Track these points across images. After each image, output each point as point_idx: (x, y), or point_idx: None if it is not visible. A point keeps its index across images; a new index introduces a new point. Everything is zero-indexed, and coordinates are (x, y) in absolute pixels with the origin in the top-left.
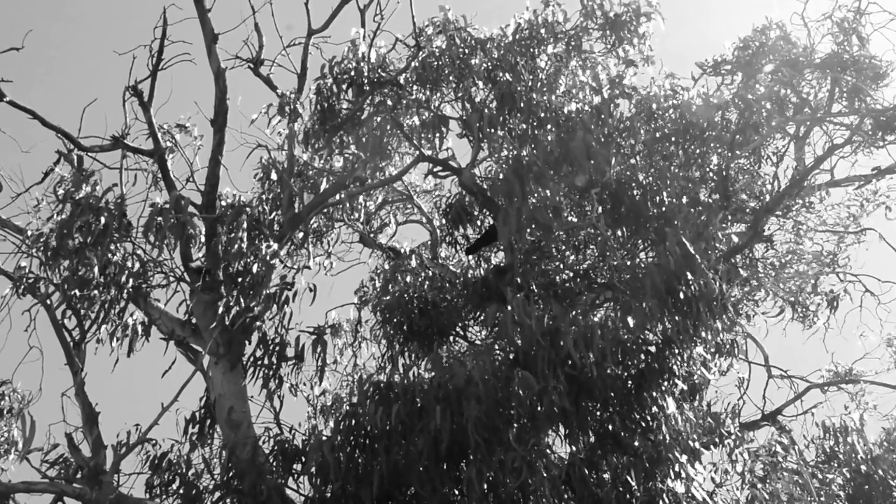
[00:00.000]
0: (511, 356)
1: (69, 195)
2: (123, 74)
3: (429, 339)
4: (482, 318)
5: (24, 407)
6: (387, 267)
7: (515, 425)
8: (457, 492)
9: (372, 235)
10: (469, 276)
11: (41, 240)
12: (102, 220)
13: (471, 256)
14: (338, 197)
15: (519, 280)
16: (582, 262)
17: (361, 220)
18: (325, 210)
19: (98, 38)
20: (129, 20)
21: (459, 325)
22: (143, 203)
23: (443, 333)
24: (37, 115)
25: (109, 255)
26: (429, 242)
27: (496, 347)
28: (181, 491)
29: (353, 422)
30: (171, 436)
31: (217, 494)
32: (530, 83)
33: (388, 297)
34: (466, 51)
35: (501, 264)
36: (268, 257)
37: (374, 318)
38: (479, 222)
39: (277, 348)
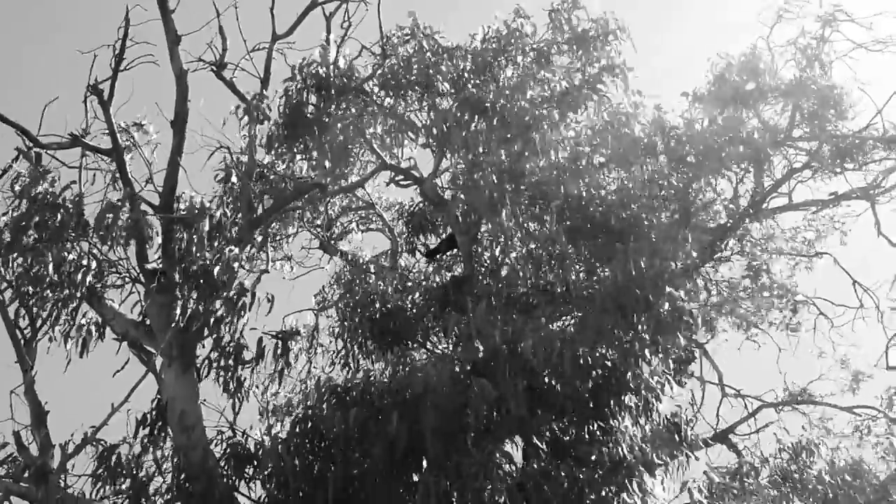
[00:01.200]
0: (470, 364)
1: (26, 191)
2: (86, 74)
3: (389, 343)
4: (441, 325)
5: None
6: (348, 272)
7: (472, 433)
8: (409, 498)
9: (332, 242)
10: (429, 283)
11: None
12: (59, 217)
13: (430, 266)
14: (299, 203)
15: (477, 291)
16: (540, 275)
17: (322, 225)
18: (286, 215)
19: (61, 37)
20: (95, 19)
21: (420, 331)
22: (102, 202)
23: (403, 339)
24: None
25: (65, 254)
26: (389, 251)
27: (455, 355)
28: (130, 492)
29: (310, 424)
30: (122, 437)
31: (168, 497)
32: (494, 90)
33: (350, 298)
34: (434, 58)
35: (461, 274)
36: (225, 259)
37: (336, 317)
38: (439, 231)
39: (234, 351)
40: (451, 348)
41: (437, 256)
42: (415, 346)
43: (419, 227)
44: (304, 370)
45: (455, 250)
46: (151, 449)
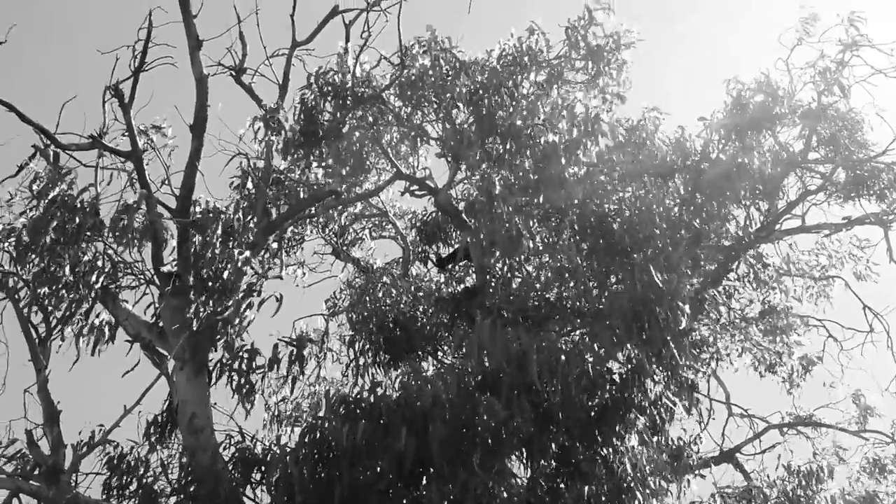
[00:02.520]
0: (478, 378)
1: (45, 192)
2: (104, 73)
3: (399, 354)
4: (450, 337)
5: None
6: (359, 279)
7: (480, 450)
8: None
9: (345, 248)
10: (441, 294)
11: (13, 235)
12: (77, 219)
13: (442, 276)
14: (313, 209)
15: (488, 303)
16: (553, 288)
17: (335, 232)
18: (300, 221)
19: (80, 36)
20: (113, 19)
21: (430, 342)
22: (117, 203)
23: (413, 349)
24: (15, 108)
25: (80, 254)
26: (401, 259)
27: (465, 368)
28: (139, 493)
29: (318, 435)
30: (132, 437)
31: (174, 499)
32: (511, 108)
33: (361, 308)
34: (450, 72)
35: (472, 286)
36: (239, 264)
37: (348, 326)
38: (451, 242)
39: (247, 356)
40: (459, 361)
41: (450, 266)
42: (424, 357)
43: (432, 236)
44: (313, 374)
45: (467, 261)
46: (160, 451)
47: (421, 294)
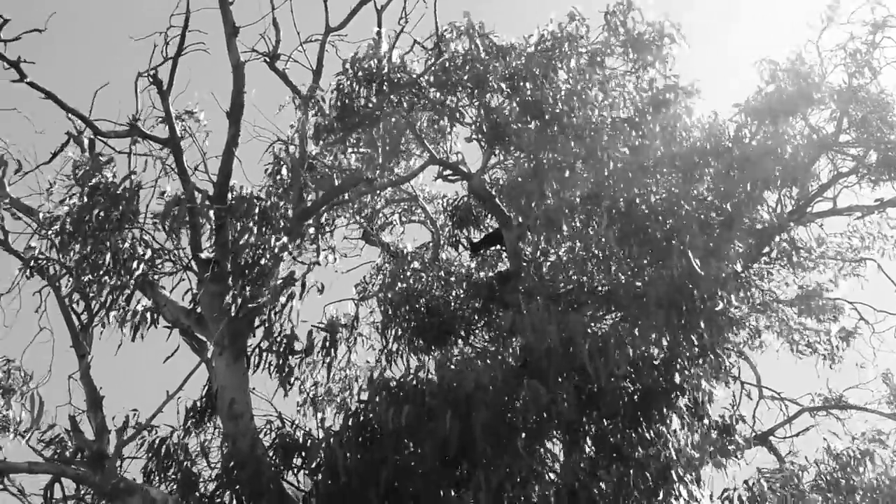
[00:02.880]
0: (519, 363)
1: (86, 179)
2: (135, 60)
3: (434, 338)
4: (485, 322)
5: (33, 387)
6: (389, 264)
7: (523, 433)
8: (458, 495)
9: (374, 233)
10: (473, 279)
11: (56, 222)
12: (119, 207)
13: (474, 260)
14: (346, 195)
15: (523, 288)
16: (587, 274)
17: (366, 217)
18: (334, 206)
19: (111, 22)
20: (138, 6)
21: (463, 327)
22: (153, 190)
23: (447, 334)
24: (55, 97)
25: (121, 242)
26: (430, 244)
27: (506, 352)
28: (179, 478)
29: (362, 419)
30: (170, 422)
31: (215, 483)
32: (550, 93)
33: (394, 293)
34: (487, 57)
35: (506, 271)
36: (276, 250)
37: (380, 311)
38: (483, 226)
39: (285, 342)
40: (495, 345)
41: (482, 251)
42: (456, 342)
43: (463, 220)
44: (343, 359)
45: (500, 245)
46: (199, 436)
47: (453, 279)
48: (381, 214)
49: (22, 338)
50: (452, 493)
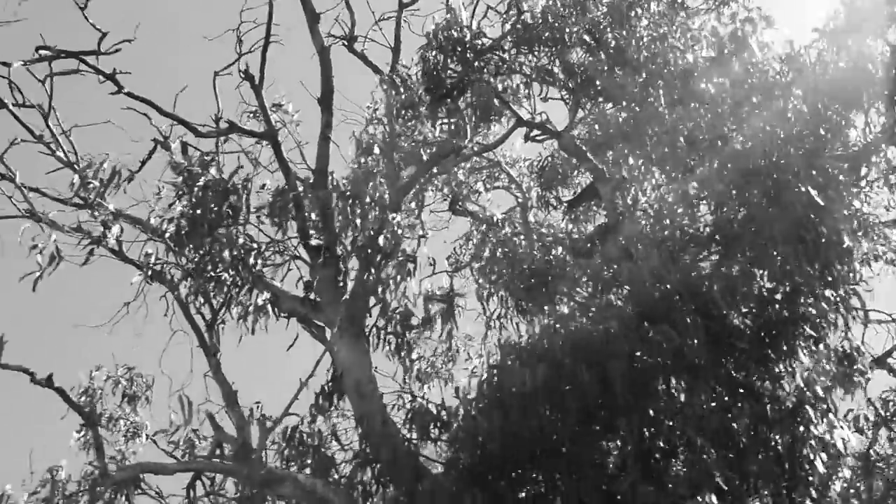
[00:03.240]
0: (636, 311)
1: (195, 179)
2: (205, 60)
3: (542, 299)
4: (590, 276)
5: (177, 390)
6: (479, 233)
7: (659, 377)
8: (604, 443)
9: (460, 203)
10: (571, 236)
11: (170, 224)
12: (230, 202)
13: (566, 218)
14: (435, 168)
15: (624, 239)
16: (694, 218)
17: (451, 188)
18: (426, 180)
19: (180, 23)
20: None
21: (568, 285)
22: (247, 184)
23: (555, 292)
24: (153, 104)
25: (235, 237)
26: (517, 208)
27: (621, 303)
28: (315, 461)
29: (496, 382)
30: (295, 410)
31: (353, 464)
32: (634, 42)
33: (492, 259)
34: (566, 11)
35: (603, 224)
36: (383, 229)
37: (475, 280)
38: (571, 184)
39: (400, 318)
40: (606, 299)
41: (576, 208)
42: (565, 299)
43: (551, 180)
44: (443, 332)
45: (594, 200)
46: (329, 419)
47: (550, 238)
48: (466, 184)
49: (145, 344)
50: (595, 446)
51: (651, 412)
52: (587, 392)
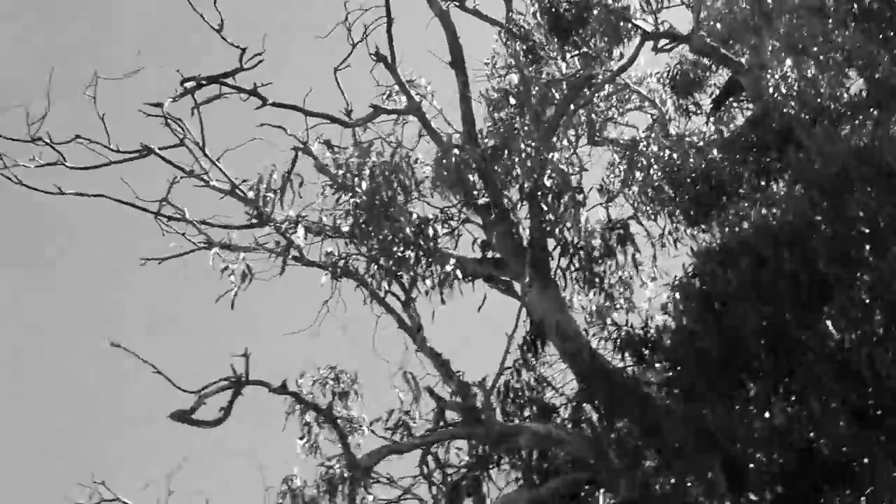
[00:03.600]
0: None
1: (360, 169)
2: (316, 58)
3: (711, 206)
4: (755, 172)
5: (398, 370)
6: (621, 159)
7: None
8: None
9: (598, 133)
10: (726, 136)
11: (347, 217)
12: (401, 178)
13: (707, 124)
14: (571, 106)
15: (777, 126)
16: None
17: (590, 118)
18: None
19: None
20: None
21: (735, 187)
22: (410, 160)
23: (722, 196)
24: (299, 108)
25: (409, 213)
26: (655, 125)
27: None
28: (534, 408)
29: (699, 289)
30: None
31: (573, 403)
32: None
33: (649, 177)
34: None
35: (753, 115)
36: (554, 167)
37: (631, 204)
38: (705, 87)
39: (581, 253)
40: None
41: (722, 108)
42: (735, 202)
43: (684, 88)
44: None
45: (737, 97)
46: (536, 369)
47: (701, 144)
48: (602, 113)
49: (336, 342)
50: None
51: (865, 278)
52: (796, 277)
